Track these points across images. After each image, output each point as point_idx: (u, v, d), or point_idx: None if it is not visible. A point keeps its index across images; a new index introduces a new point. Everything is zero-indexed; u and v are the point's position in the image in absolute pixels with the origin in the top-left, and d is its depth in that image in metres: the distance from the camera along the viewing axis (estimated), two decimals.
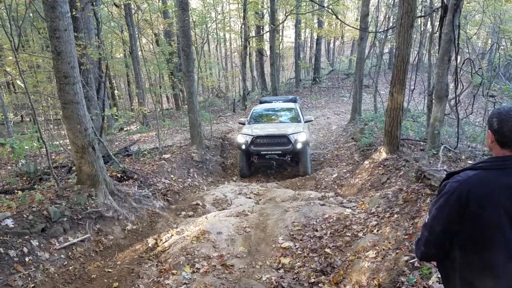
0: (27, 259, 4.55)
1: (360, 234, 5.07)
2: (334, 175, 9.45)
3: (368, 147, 9.65)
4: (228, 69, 34.48)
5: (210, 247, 5.15)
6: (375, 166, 8.14)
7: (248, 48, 23.31)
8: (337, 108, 20.83)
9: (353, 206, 6.33)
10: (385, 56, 18.73)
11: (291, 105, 11.93)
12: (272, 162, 10.69)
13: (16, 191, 6.89)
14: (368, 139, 10.00)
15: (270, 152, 9.87)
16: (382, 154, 8.23)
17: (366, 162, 8.76)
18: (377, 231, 4.95)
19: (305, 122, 10.96)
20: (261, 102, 13.30)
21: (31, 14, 14.10)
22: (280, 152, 9.81)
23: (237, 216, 6.07)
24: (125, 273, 4.89)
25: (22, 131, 17.10)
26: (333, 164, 10.55)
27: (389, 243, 4.37)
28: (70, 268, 4.90)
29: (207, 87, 28.01)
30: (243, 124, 11.44)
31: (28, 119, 22.79)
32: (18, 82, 13.99)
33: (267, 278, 4.46)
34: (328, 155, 11.77)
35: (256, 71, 29.02)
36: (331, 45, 36.20)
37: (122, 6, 17.29)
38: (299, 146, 9.63)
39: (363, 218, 5.58)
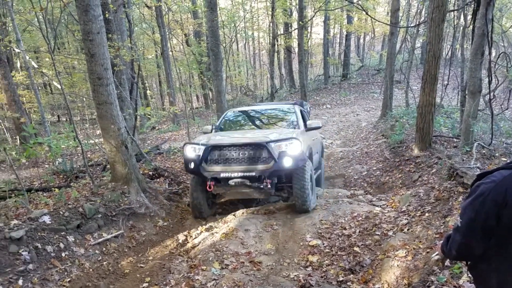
0: (63, 254, 4.75)
1: (390, 233, 5.02)
2: (364, 173, 9.35)
3: (399, 144, 9.48)
4: (257, 67, 34.57)
5: (238, 243, 5.22)
6: (406, 163, 8.02)
7: (276, 46, 23.31)
8: (367, 104, 20.52)
9: (383, 205, 6.27)
10: (417, 50, 18.30)
11: (286, 107, 7.86)
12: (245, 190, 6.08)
13: (53, 188, 7.19)
14: (399, 136, 9.82)
15: (235, 175, 5.82)
16: (413, 151, 8.09)
17: (397, 159, 8.63)
18: (408, 230, 4.89)
19: (308, 129, 7.00)
20: None
21: (66, 17, 14.60)
22: (254, 174, 5.77)
23: (265, 214, 6.11)
24: (156, 269, 5.03)
25: (59, 130, 17.78)
26: (363, 162, 10.43)
27: (420, 242, 4.30)
28: (104, 263, 5.08)
29: (236, 85, 28.21)
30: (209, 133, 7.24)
31: (64, 119, 23.64)
32: (55, 83, 14.52)
33: (295, 275, 4.48)
34: (358, 152, 11.63)
35: (284, 68, 28.99)
36: (361, 40, 35.68)
37: (154, 8, 17.65)
38: (287, 163, 5.68)
39: (393, 216, 5.52)
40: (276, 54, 25.58)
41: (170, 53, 19.43)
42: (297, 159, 5.76)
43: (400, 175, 7.76)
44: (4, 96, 12.32)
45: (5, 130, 17.42)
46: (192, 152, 6.10)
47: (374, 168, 9.37)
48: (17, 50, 12.99)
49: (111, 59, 8.20)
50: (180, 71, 24.04)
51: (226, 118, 7.81)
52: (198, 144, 6.13)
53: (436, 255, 2.64)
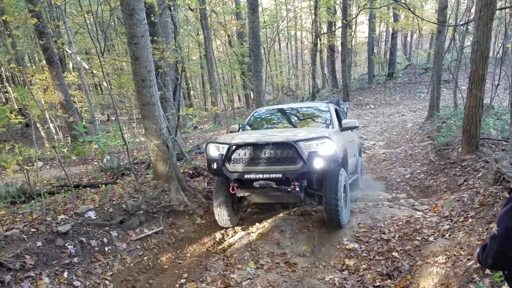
0: (106, 248, 4.99)
1: (431, 239, 4.88)
2: (407, 176, 9.09)
3: (445, 146, 9.13)
4: (299, 67, 34.40)
5: (273, 244, 5.25)
6: (451, 166, 7.72)
7: (318, 45, 23.10)
8: (413, 104, 19.88)
9: (425, 209, 6.08)
10: (467, 49, 17.51)
11: (320, 105, 7.30)
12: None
13: (100, 185, 7.54)
14: (445, 137, 9.46)
15: (260, 177, 5.30)
16: (460, 154, 7.78)
17: (442, 162, 8.33)
18: (449, 235, 4.72)
19: (343, 129, 6.48)
20: None
21: (115, 20, 15.22)
22: (281, 176, 5.24)
23: (301, 215, 6.09)
24: (194, 265, 5.17)
25: (108, 129, 18.59)
26: (406, 164, 10.13)
27: (461, 248, 4.14)
28: (145, 258, 5.27)
29: (277, 85, 28.23)
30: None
31: (113, 118, 24.65)
32: (105, 84, 15.21)
33: (330, 278, 4.45)
34: (401, 154, 11.31)
35: (327, 68, 28.66)
36: (408, 38, 34.58)
37: (197, 10, 18.02)
38: (318, 164, 5.14)
39: (435, 221, 5.35)
40: (318, 53, 25.33)
41: (213, 54, 19.77)
42: (329, 160, 5.20)
43: (445, 179, 7.48)
44: (56, 96, 12.98)
45: (57, 128, 18.45)
46: (215, 151, 5.65)
47: (418, 171, 9.07)
48: (69, 52, 13.69)
49: (156, 61, 8.49)
50: (222, 72, 24.41)
51: (254, 117, 7.25)
52: (221, 143, 5.65)
53: (472, 263, 2.55)
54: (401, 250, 4.85)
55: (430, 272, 4.03)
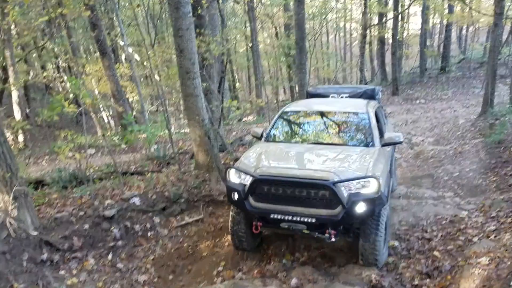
0: (149, 234, 5.22)
1: (475, 239, 4.72)
2: (455, 174, 8.72)
3: (497, 144, 8.69)
4: (347, 60, 33.70)
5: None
6: (503, 166, 7.37)
7: (368, 37, 22.52)
8: (467, 100, 18.95)
9: (471, 209, 5.86)
10: None
11: (356, 106, 5.94)
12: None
13: (146, 173, 7.83)
14: (498, 135, 8.98)
15: (290, 219, 4.41)
16: None
17: (493, 161, 7.94)
18: (495, 237, 4.55)
19: (384, 145, 5.20)
20: (309, 96, 7.34)
21: (166, 13, 15.62)
22: (314, 221, 4.34)
23: None
24: (231, 254, 5.28)
25: (156, 119, 19.20)
26: (455, 162, 9.71)
27: (506, 250, 3.98)
28: (185, 245, 5.46)
29: (323, 78, 27.85)
30: (259, 138, 5.78)
31: (161, 109, 25.39)
32: (156, 76, 15.67)
33: (367, 275, 4.39)
34: (451, 151, 10.84)
35: (376, 60, 27.89)
36: (464, 31, 32.84)
37: (245, 2, 18.10)
38: (360, 209, 4.19)
39: (481, 222, 5.17)
40: (368, 45, 24.67)
41: (260, 46, 19.82)
42: (374, 204, 4.22)
43: (495, 178, 7.14)
44: (109, 86, 13.52)
45: (109, 117, 19.28)
46: (237, 178, 4.71)
47: (467, 169, 8.68)
48: (121, 43, 14.23)
49: (201, 54, 8.64)
50: (269, 64, 24.39)
51: (280, 119, 6.06)
52: (244, 171, 4.67)
53: None
54: (442, 249, 4.74)
55: (472, 273, 3.90)
